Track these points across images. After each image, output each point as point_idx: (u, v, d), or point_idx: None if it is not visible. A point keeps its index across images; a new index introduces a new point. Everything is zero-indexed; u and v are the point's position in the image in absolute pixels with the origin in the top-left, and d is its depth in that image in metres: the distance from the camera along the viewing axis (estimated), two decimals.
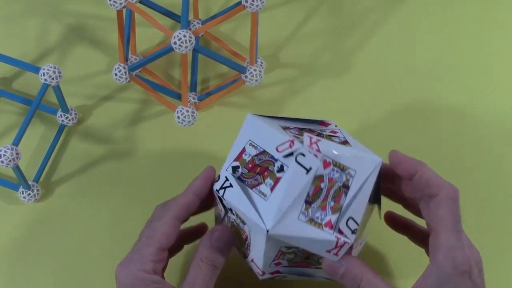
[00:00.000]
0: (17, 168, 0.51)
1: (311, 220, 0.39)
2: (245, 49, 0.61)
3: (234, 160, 0.42)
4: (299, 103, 0.59)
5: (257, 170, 0.41)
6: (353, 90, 0.60)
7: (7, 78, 0.61)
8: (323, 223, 0.39)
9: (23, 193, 0.54)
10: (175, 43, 0.50)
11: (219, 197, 0.42)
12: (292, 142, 0.40)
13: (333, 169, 0.40)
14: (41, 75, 0.53)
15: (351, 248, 0.40)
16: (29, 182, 0.54)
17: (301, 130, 0.43)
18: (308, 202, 0.39)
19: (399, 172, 0.43)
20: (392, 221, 0.49)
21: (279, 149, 0.40)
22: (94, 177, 0.56)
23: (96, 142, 0.57)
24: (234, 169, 0.41)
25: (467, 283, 0.39)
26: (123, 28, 0.55)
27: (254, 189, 0.40)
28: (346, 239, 0.39)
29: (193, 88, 0.59)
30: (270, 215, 0.39)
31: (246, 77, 0.57)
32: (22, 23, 0.64)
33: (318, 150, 0.39)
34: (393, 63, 0.61)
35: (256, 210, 0.39)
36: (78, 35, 0.63)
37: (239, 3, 0.52)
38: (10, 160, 0.50)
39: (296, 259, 0.42)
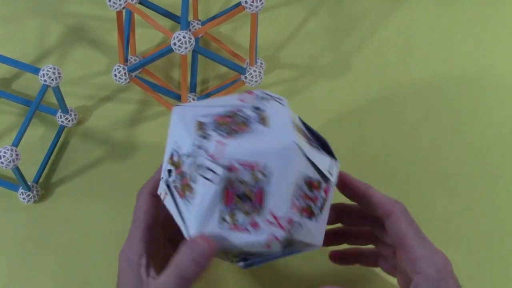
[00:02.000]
0: (16, 169, 0.51)
1: (234, 225, 0.39)
2: (244, 50, 0.61)
3: (167, 162, 0.41)
4: (299, 103, 0.59)
5: (181, 178, 0.40)
6: (353, 90, 0.60)
7: (6, 79, 0.61)
8: (247, 225, 0.39)
9: (22, 194, 0.54)
10: (174, 44, 0.50)
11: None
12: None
13: (243, 171, 0.38)
14: (40, 76, 0.53)
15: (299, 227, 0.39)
16: (29, 183, 0.54)
17: (217, 123, 0.41)
18: (225, 209, 0.39)
19: (347, 195, 0.44)
20: (340, 257, 0.50)
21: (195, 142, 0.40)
22: (94, 178, 0.56)
23: (96, 143, 0.57)
24: (169, 172, 0.41)
25: (452, 283, 0.41)
26: (123, 29, 0.55)
27: (183, 198, 0.40)
28: (277, 233, 0.39)
29: (192, 89, 0.59)
30: (194, 226, 0.39)
31: (245, 78, 0.57)
32: (22, 23, 0.64)
33: (221, 158, 0.38)
34: (392, 63, 0.61)
35: (183, 220, 0.40)
36: (78, 36, 0.63)
37: (239, 4, 0.51)
38: (10, 161, 0.50)
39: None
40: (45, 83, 0.53)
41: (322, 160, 0.41)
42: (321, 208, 0.41)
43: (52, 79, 0.53)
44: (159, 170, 0.44)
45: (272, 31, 0.63)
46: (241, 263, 0.42)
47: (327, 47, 0.63)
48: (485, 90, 0.60)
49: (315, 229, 0.41)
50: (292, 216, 0.39)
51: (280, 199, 0.39)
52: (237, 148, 0.39)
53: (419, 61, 0.61)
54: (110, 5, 0.52)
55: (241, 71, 0.57)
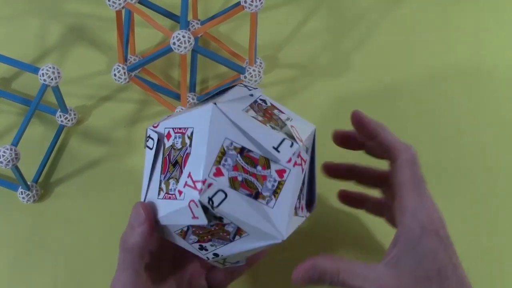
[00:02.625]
0: (16, 169, 0.51)
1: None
2: (244, 49, 0.61)
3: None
4: (299, 103, 0.59)
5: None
6: (353, 90, 0.60)
7: (6, 79, 0.61)
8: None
9: (22, 194, 0.54)
10: (174, 43, 0.50)
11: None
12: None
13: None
14: (40, 76, 0.53)
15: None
16: (28, 183, 0.54)
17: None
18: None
19: (360, 133, 0.44)
20: (346, 198, 0.49)
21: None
22: (93, 177, 0.56)
23: (96, 143, 0.57)
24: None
25: (436, 241, 0.39)
26: (122, 28, 0.55)
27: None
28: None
29: (192, 88, 0.59)
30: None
31: (245, 77, 0.57)
32: (22, 23, 0.64)
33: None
34: (392, 63, 0.61)
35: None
36: (78, 36, 0.63)
37: (238, 3, 0.52)
38: (9, 160, 0.50)
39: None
40: (44, 82, 0.53)
41: (271, 137, 0.39)
42: (274, 192, 0.39)
43: (52, 79, 0.53)
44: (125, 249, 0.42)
45: (272, 30, 0.63)
46: (228, 265, 0.42)
47: (327, 47, 0.63)
48: (485, 89, 0.60)
49: (266, 215, 0.38)
50: (212, 182, 0.37)
51: (199, 162, 0.38)
52: (175, 120, 0.40)
53: (418, 61, 0.61)
54: (109, 4, 0.52)
55: (241, 70, 0.57)
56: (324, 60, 0.62)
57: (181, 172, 0.38)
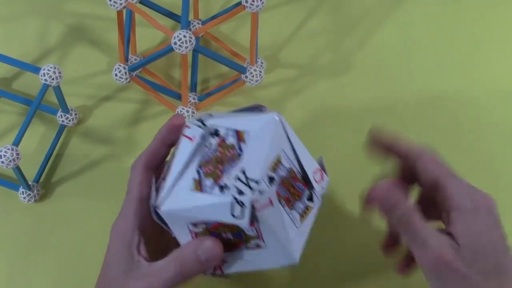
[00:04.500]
0: (17, 169, 0.51)
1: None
2: (245, 49, 0.61)
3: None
4: (299, 103, 0.59)
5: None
6: (353, 90, 0.60)
7: (7, 78, 0.61)
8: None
9: (23, 194, 0.54)
10: (175, 43, 0.50)
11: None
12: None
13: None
14: (41, 76, 0.53)
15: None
16: (29, 183, 0.54)
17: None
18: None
19: (378, 149, 0.44)
20: (376, 141, 0.46)
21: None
22: (94, 177, 0.56)
23: (96, 142, 0.57)
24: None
25: (491, 218, 0.39)
26: (123, 28, 0.55)
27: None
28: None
29: (193, 88, 0.59)
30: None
31: (246, 77, 0.57)
32: (22, 23, 0.64)
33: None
34: (393, 63, 0.61)
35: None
36: (78, 35, 0.63)
37: (239, 3, 0.52)
38: (10, 160, 0.50)
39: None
40: (45, 82, 0.53)
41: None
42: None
43: (53, 79, 0.53)
44: (154, 142, 0.43)
45: (273, 30, 0.63)
46: (218, 271, 0.41)
47: (328, 47, 0.63)
48: (485, 88, 0.60)
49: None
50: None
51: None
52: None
53: (419, 61, 0.61)
54: (110, 4, 0.52)
55: (242, 70, 0.57)
56: (324, 60, 0.62)
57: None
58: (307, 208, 0.40)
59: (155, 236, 0.42)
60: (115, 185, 0.55)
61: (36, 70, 0.54)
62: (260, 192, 0.37)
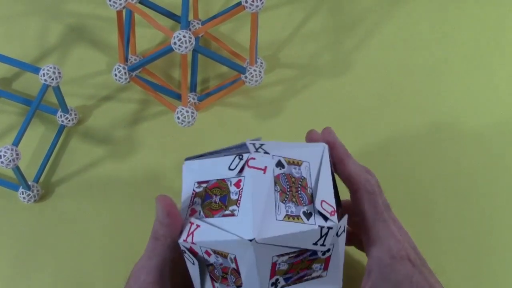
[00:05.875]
0: (17, 169, 0.51)
1: (289, 217, 0.38)
2: (245, 49, 0.61)
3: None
4: (299, 103, 0.59)
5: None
6: (353, 90, 0.60)
7: (7, 79, 0.61)
8: (301, 216, 0.38)
9: (23, 194, 0.54)
10: (175, 43, 0.50)
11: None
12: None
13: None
14: (41, 76, 0.53)
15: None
16: (29, 183, 0.54)
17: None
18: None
19: (332, 159, 0.43)
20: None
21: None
22: (94, 177, 0.56)
23: (96, 143, 0.57)
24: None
25: (408, 266, 0.40)
26: (123, 28, 0.55)
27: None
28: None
29: (193, 88, 0.59)
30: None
31: (246, 77, 0.57)
32: (22, 23, 0.64)
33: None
34: (393, 63, 0.61)
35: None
36: (78, 36, 0.63)
37: (239, 3, 0.52)
38: (10, 160, 0.50)
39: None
40: (45, 82, 0.53)
41: (327, 193, 0.41)
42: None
43: (53, 79, 0.53)
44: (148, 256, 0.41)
45: (273, 30, 0.63)
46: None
47: (327, 47, 0.63)
48: (485, 88, 0.60)
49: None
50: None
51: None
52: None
53: (419, 61, 0.61)
54: (110, 4, 0.52)
55: (242, 70, 0.57)
56: (324, 60, 0.62)
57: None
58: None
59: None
60: (114, 185, 0.55)
61: (36, 70, 0.54)
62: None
